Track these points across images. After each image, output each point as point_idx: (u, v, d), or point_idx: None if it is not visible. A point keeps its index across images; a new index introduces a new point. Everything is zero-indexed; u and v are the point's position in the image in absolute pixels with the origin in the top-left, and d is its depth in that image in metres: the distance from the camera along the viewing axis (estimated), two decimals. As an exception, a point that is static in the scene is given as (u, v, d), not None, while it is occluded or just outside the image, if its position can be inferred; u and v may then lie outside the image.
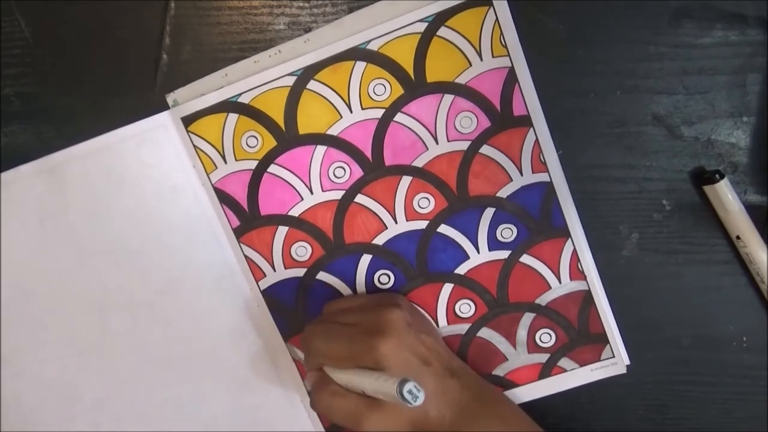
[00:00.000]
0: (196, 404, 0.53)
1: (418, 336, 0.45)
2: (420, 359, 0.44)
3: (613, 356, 0.52)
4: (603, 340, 0.52)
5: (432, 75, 0.49)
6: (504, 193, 0.50)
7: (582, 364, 0.53)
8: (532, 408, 0.53)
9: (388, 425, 0.43)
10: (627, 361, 0.52)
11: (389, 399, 0.40)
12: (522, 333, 0.53)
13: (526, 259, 0.51)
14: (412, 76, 0.49)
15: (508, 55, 0.48)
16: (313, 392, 0.46)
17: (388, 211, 0.51)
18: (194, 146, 0.50)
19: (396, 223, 0.51)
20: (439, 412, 0.44)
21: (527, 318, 0.52)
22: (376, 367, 0.42)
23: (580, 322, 0.52)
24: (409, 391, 0.37)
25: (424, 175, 0.50)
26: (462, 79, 0.48)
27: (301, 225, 0.51)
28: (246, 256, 0.51)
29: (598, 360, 0.53)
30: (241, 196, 0.50)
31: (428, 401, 0.43)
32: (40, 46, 0.49)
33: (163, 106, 0.49)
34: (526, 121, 0.49)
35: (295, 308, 0.52)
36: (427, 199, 0.50)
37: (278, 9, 0.48)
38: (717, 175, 0.48)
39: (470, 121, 0.49)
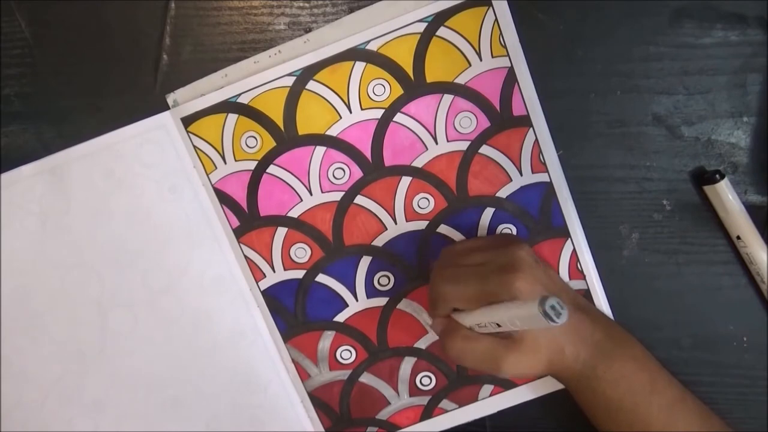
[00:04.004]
0: (196, 404, 0.53)
1: (546, 271, 0.45)
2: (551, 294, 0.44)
3: (613, 355, 0.52)
4: (603, 340, 0.52)
5: (431, 75, 0.49)
6: (504, 193, 0.50)
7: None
8: (533, 406, 0.53)
9: (526, 365, 0.43)
10: (625, 360, 0.52)
11: (530, 323, 0.37)
12: (522, 333, 0.53)
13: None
14: (412, 77, 0.49)
15: (508, 55, 0.48)
16: (444, 339, 0.45)
17: (388, 212, 0.51)
18: (194, 146, 0.50)
19: (396, 224, 0.51)
20: (574, 348, 0.44)
21: (527, 318, 0.52)
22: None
23: (580, 323, 0.52)
24: (552, 307, 0.35)
25: (424, 176, 0.50)
26: (461, 80, 0.48)
27: (300, 226, 0.51)
28: (246, 257, 0.51)
29: (598, 359, 0.53)
30: (240, 196, 0.50)
31: (563, 337, 0.43)
32: (40, 46, 0.49)
33: (163, 106, 0.49)
34: (525, 121, 0.49)
35: (294, 310, 0.52)
36: (427, 199, 0.50)
37: (278, 9, 0.48)
38: (717, 175, 0.48)
39: (470, 121, 0.49)
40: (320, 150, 0.50)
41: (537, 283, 0.42)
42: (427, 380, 0.54)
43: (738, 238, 0.49)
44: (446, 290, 0.44)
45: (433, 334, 0.53)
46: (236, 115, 0.49)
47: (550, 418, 0.53)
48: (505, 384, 0.53)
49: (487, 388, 0.54)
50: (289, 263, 0.52)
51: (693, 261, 0.51)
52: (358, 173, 0.50)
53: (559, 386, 0.53)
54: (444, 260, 0.47)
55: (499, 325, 0.41)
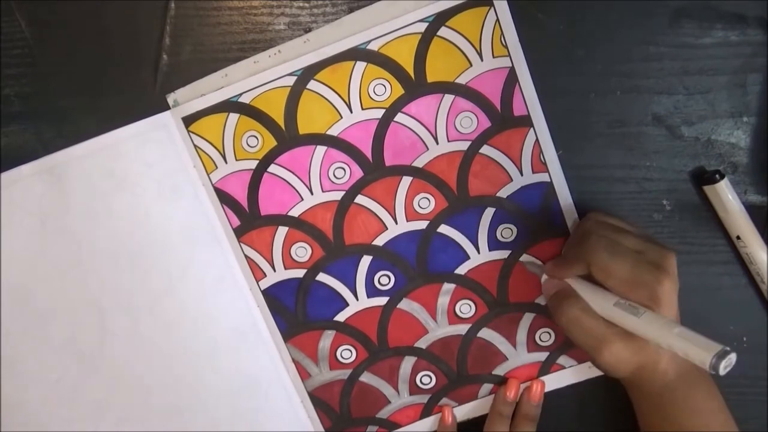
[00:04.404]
0: (197, 405, 0.53)
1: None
2: (677, 310, 0.44)
3: (612, 355, 0.52)
4: (603, 339, 0.52)
5: (432, 75, 0.49)
6: (504, 193, 0.50)
7: (580, 361, 0.53)
8: (532, 407, 0.53)
9: (623, 359, 0.43)
10: (626, 360, 0.52)
11: (679, 349, 0.38)
12: (522, 333, 0.53)
13: (526, 259, 0.51)
14: (413, 76, 0.49)
15: (509, 55, 0.48)
16: (560, 303, 0.45)
17: (389, 212, 0.51)
18: (195, 146, 0.50)
19: (396, 223, 0.51)
20: (667, 366, 0.44)
21: (527, 318, 0.52)
22: (649, 302, 0.42)
23: (580, 322, 0.52)
24: (727, 367, 0.36)
25: (425, 176, 0.50)
26: (462, 80, 0.48)
27: (301, 225, 0.51)
28: (246, 256, 0.51)
29: (598, 358, 0.53)
30: (241, 195, 0.50)
31: (666, 352, 0.44)
32: (40, 46, 0.49)
33: (163, 106, 0.49)
34: (526, 121, 0.49)
35: (295, 309, 0.52)
36: (428, 199, 0.50)
37: (278, 9, 0.48)
38: (717, 175, 0.48)
39: (470, 121, 0.49)
40: (321, 149, 0.50)
41: (674, 295, 0.43)
42: (427, 379, 0.54)
43: (738, 238, 0.49)
44: (599, 257, 0.43)
45: (436, 332, 0.53)
46: (237, 115, 0.49)
47: (549, 417, 0.53)
48: (503, 383, 0.53)
49: (486, 387, 0.54)
50: (289, 262, 0.52)
51: (693, 261, 0.51)
52: (358, 173, 0.50)
53: (556, 386, 0.53)
54: (599, 228, 0.46)
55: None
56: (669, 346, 0.39)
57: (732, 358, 0.36)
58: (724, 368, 0.36)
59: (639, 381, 0.46)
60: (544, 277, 0.48)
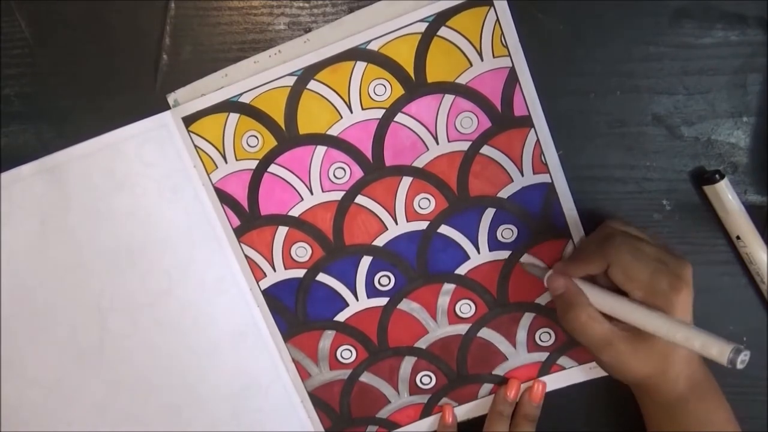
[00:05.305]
0: (197, 405, 0.53)
1: None
2: (691, 320, 0.44)
3: (613, 355, 0.52)
4: (603, 339, 0.52)
5: (432, 75, 0.49)
6: (504, 193, 0.50)
7: (581, 362, 0.53)
8: (532, 407, 0.53)
9: (628, 362, 0.44)
10: (626, 361, 0.52)
11: (695, 346, 0.39)
12: (522, 333, 0.53)
13: (526, 260, 0.51)
14: (413, 77, 0.49)
15: (509, 55, 0.48)
16: (568, 310, 0.45)
17: (389, 212, 0.51)
18: (195, 146, 0.50)
19: (396, 224, 0.51)
20: (676, 376, 0.45)
21: (527, 318, 0.52)
22: (665, 309, 0.42)
23: (580, 322, 0.52)
24: (743, 362, 0.37)
25: (425, 176, 0.50)
26: (462, 80, 0.48)
27: (301, 225, 0.51)
28: (246, 256, 0.51)
29: (598, 359, 0.53)
30: (241, 195, 0.50)
31: (675, 361, 0.44)
32: (40, 46, 0.49)
33: (164, 106, 0.49)
34: (526, 122, 0.49)
35: (295, 309, 0.52)
36: (428, 199, 0.50)
37: (278, 9, 0.48)
38: (717, 176, 0.48)
39: (471, 121, 0.49)
40: (321, 149, 0.50)
41: (689, 308, 0.43)
42: (427, 379, 0.54)
43: (738, 238, 0.49)
44: (623, 258, 0.43)
45: (436, 332, 0.53)
46: (237, 115, 0.49)
47: (549, 417, 0.53)
48: (503, 383, 0.53)
49: (486, 387, 0.54)
50: (289, 262, 0.52)
51: (693, 261, 0.50)
52: (358, 173, 0.50)
53: (556, 386, 0.53)
54: (623, 232, 0.45)
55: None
56: (685, 338, 0.40)
57: (747, 354, 0.38)
58: (741, 363, 0.38)
59: (650, 389, 0.46)
60: (548, 274, 0.48)
